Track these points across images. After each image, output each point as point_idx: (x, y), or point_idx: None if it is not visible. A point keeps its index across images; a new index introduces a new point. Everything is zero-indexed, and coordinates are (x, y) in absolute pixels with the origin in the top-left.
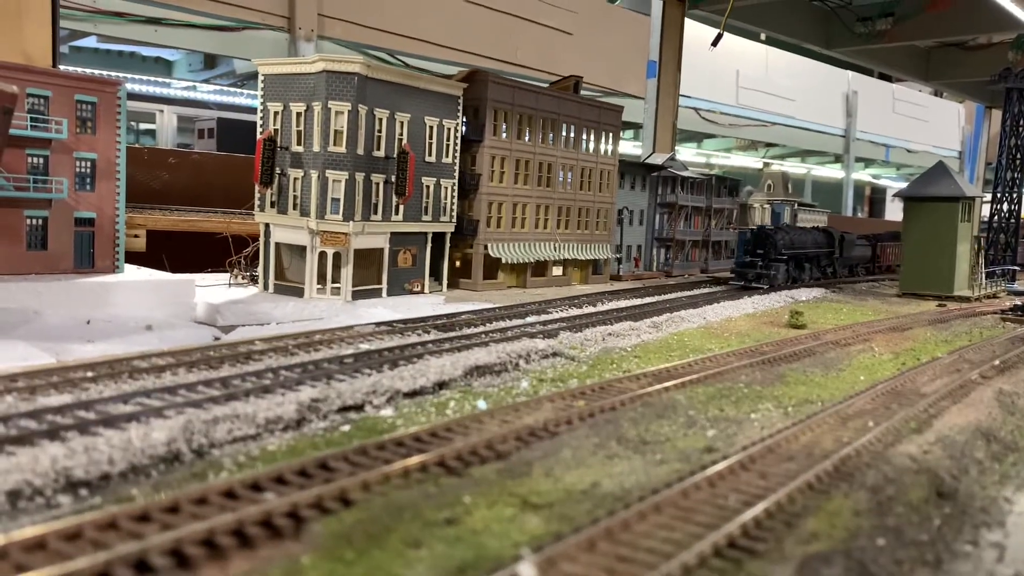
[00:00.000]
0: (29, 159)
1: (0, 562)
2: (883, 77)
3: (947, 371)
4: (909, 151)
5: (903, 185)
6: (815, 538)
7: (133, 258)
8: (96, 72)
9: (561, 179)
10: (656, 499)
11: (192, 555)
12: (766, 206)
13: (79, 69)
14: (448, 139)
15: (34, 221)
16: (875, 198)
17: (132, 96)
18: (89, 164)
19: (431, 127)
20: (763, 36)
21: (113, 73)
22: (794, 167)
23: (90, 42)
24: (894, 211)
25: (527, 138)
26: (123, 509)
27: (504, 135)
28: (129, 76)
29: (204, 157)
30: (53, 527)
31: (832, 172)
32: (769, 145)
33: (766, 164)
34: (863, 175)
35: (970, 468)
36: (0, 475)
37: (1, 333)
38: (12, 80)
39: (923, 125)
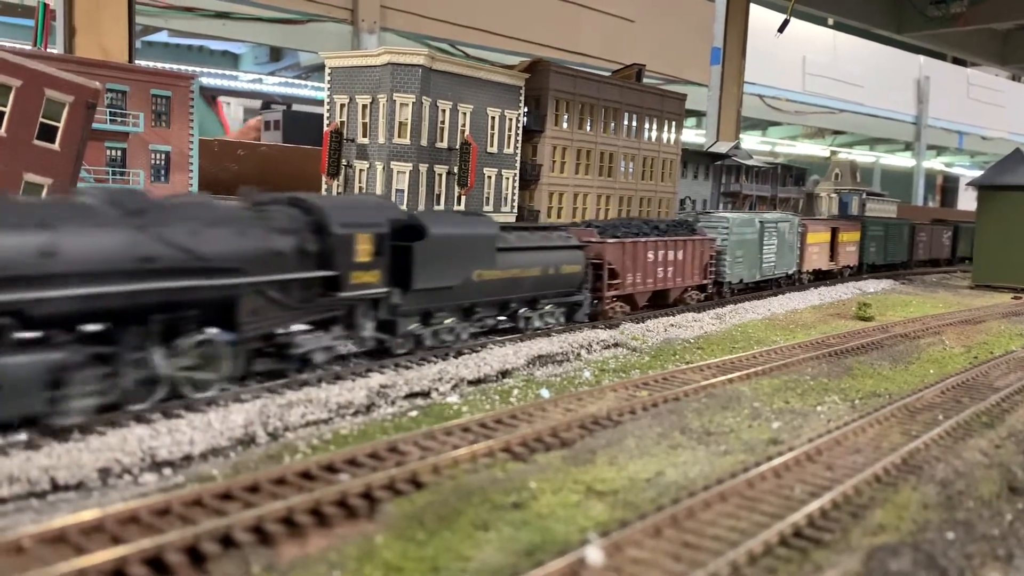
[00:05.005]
0: (108, 152)
1: (96, 534)
2: (957, 61)
3: (1021, 365)
4: (984, 138)
5: (977, 173)
6: (882, 530)
7: None
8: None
9: (623, 169)
10: (721, 488)
11: (273, 532)
12: (833, 195)
13: (152, 64)
14: (509, 130)
15: None
16: (947, 187)
17: (201, 89)
18: (164, 156)
19: (493, 118)
20: (831, 21)
21: (183, 67)
22: (862, 155)
23: (161, 37)
24: (967, 200)
25: (588, 128)
26: (206, 487)
27: (565, 125)
28: (198, 69)
29: (271, 149)
30: (144, 503)
31: (902, 161)
32: (837, 133)
33: (833, 152)
34: (935, 163)
35: None
36: (92, 453)
37: None
38: (93, 76)
39: (999, 111)
